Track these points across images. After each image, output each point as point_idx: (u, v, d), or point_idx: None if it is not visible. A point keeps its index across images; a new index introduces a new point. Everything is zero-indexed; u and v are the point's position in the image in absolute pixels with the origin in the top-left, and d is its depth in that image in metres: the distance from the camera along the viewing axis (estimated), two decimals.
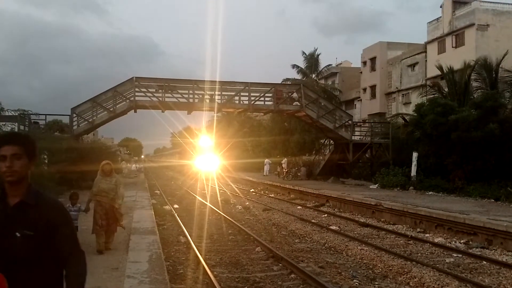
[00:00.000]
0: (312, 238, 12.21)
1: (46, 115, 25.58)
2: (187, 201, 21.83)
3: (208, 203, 19.34)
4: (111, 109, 25.27)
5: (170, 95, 25.93)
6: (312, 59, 45.44)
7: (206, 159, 38.23)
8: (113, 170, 8.53)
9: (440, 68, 25.40)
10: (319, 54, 45.72)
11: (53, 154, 14.75)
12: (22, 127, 22.34)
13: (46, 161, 12.93)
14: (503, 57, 23.14)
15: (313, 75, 46.14)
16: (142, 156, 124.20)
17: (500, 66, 23.19)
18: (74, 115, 24.96)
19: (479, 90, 23.61)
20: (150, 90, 25.76)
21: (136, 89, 25.51)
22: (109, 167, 8.41)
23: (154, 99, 25.65)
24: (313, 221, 15.25)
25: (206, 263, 8.75)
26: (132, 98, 25.42)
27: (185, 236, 12.01)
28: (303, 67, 45.70)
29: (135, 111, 26.12)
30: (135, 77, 25.57)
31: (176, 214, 16.27)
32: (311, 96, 28.43)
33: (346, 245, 11.03)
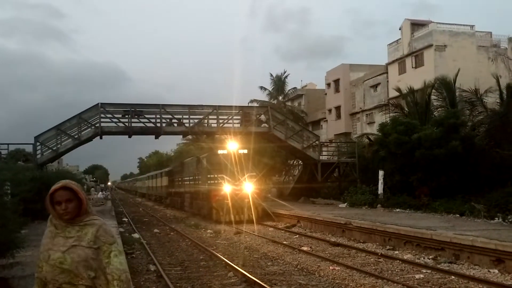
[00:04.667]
0: (285, 260, 12.18)
1: (8, 144, 24.86)
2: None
3: None
4: (76, 136, 24.80)
5: (136, 120, 25.71)
6: (279, 82, 46.21)
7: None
8: (86, 207, 3.01)
9: (398, 90, 26.22)
10: (287, 76, 46.59)
11: (17, 184, 14.31)
12: None
13: (9, 192, 12.52)
14: (456, 75, 24.11)
15: (280, 97, 46.83)
16: (109, 183, 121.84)
17: (459, 85, 24.13)
18: (38, 143, 24.34)
19: (439, 109, 24.42)
20: (116, 115, 25.48)
21: (102, 115, 25.17)
22: (69, 203, 2.91)
23: (121, 124, 25.37)
24: (284, 242, 15.24)
25: None
26: (98, 125, 25.04)
27: (154, 264, 11.78)
28: (270, 90, 46.38)
29: (101, 137, 25.70)
30: (100, 103, 25.25)
31: (144, 242, 15.96)
32: (278, 118, 28.76)
33: (318, 266, 11.06)
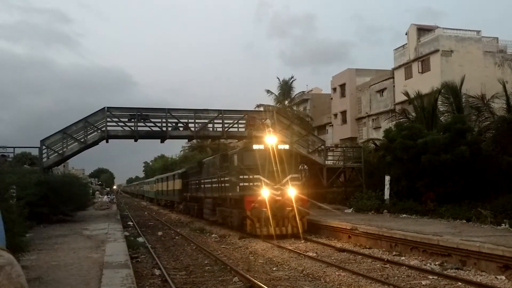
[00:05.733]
0: (290, 266, 12.12)
1: (14, 147, 24.96)
2: None
3: None
4: (82, 140, 24.88)
5: (142, 124, 25.76)
6: (285, 86, 46.22)
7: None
8: None
9: (406, 94, 26.13)
10: (294, 80, 46.61)
11: (22, 188, 14.35)
12: None
13: (15, 195, 12.56)
14: (462, 81, 23.99)
15: (286, 102, 46.85)
16: (114, 187, 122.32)
17: (466, 91, 24.01)
18: (44, 147, 24.43)
19: (445, 114, 24.31)
20: (122, 119, 25.55)
21: (108, 119, 25.24)
22: None
23: (127, 128, 25.43)
24: (290, 248, 15.17)
25: None
26: (104, 128, 25.10)
27: (159, 268, 11.76)
28: (276, 94, 46.43)
29: (107, 141, 25.77)
30: (107, 107, 25.32)
31: (149, 246, 15.95)
32: (284, 122, 28.70)
33: (324, 271, 10.99)
